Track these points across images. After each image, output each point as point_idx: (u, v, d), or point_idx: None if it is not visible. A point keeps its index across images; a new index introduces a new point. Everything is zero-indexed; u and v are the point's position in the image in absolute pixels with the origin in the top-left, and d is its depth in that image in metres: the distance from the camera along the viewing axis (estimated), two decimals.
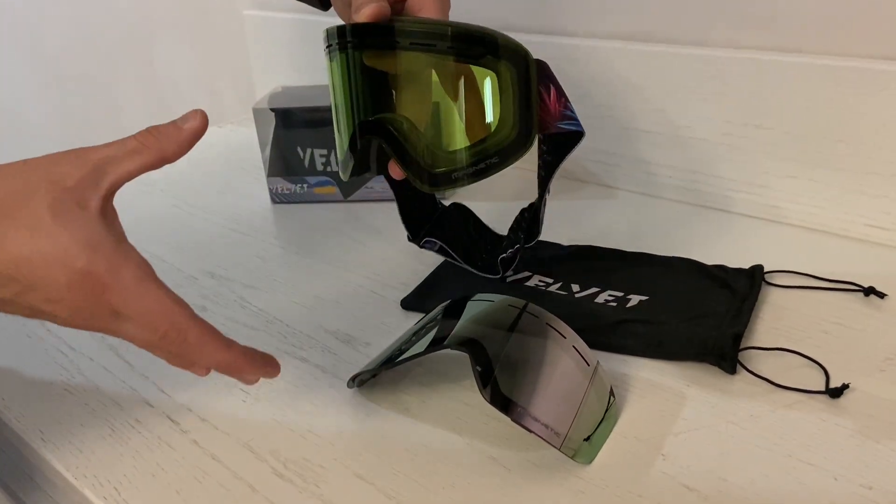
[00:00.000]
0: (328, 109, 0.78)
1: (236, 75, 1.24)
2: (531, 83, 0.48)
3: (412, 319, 0.55)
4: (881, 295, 0.56)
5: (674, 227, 0.70)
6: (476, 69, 0.47)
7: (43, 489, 0.54)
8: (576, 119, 0.51)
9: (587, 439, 0.43)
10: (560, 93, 0.50)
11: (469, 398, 0.48)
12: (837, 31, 0.63)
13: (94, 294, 0.37)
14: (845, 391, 0.46)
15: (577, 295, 0.58)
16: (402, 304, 0.59)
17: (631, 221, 0.72)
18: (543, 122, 0.50)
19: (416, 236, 0.62)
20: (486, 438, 0.45)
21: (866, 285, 0.57)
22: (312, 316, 0.59)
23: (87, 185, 0.38)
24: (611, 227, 0.71)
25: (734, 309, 0.54)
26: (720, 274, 0.59)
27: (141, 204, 0.83)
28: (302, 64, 1.06)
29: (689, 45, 0.71)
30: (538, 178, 0.57)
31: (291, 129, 0.77)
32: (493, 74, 0.47)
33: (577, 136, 0.52)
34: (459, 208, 0.64)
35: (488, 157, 0.47)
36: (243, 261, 0.67)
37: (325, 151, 0.77)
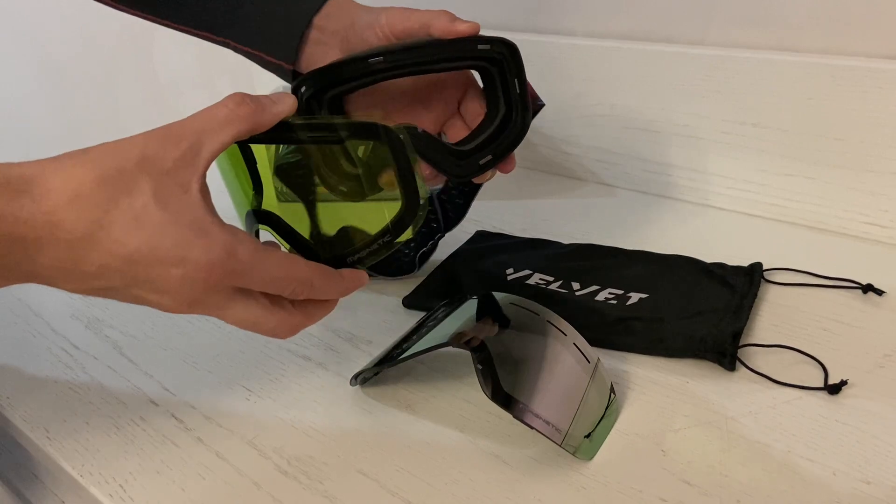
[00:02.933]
0: None
1: (236, 75, 1.24)
2: (410, 159, 0.43)
3: (414, 318, 0.55)
4: (879, 292, 0.56)
5: (673, 225, 0.71)
6: (344, 152, 0.44)
7: (48, 487, 0.55)
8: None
9: (588, 436, 0.44)
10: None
11: (471, 395, 0.48)
12: (835, 30, 0.64)
13: (214, 280, 0.37)
14: (844, 387, 0.47)
15: (577, 293, 0.58)
16: (403, 303, 0.59)
17: (630, 220, 0.73)
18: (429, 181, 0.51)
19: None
20: (488, 435, 0.45)
21: (864, 282, 0.57)
22: None
23: (185, 165, 0.37)
24: (610, 225, 0.71)
25: (733, 306, 0.54)
26: (719, 272, 0.59)
27: None
28: None
29: (686, 45, 0.71)
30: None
31: None
32: (373, 158, 0.44)
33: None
34: None
35: (381, 236, 0.43)
36: None
37: None
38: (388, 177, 0.43)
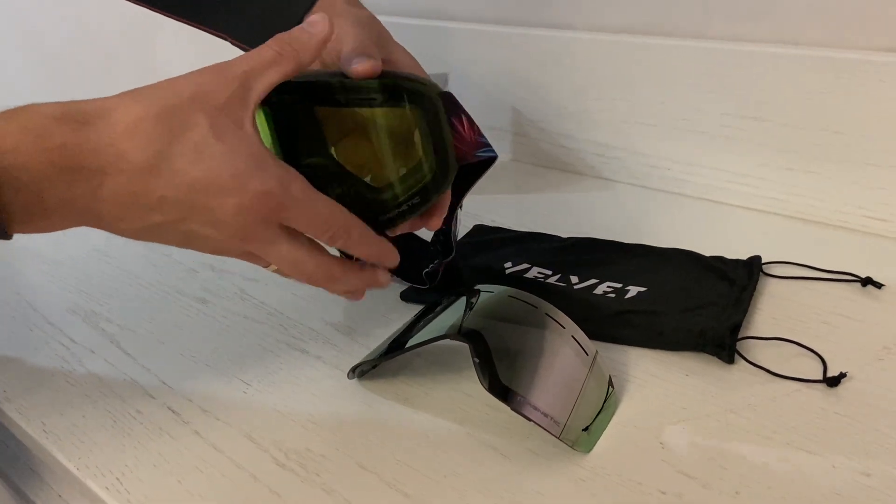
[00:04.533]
0: None
1: None
2: (441, 120, 0.45)
3: (412, 311, 0.55)
4: (878, 285, 0.56)
5: (672, 219, 0.70)
6: (382, 115, 0.44)
7: (45, 480, 0.55)
8: (489, 145, 0.49)
9: (586, 428, 0.44)
10: (471, 121, 0.49)
11: (469, 388, 0.48)
12: (834, 23, 0.63)
13: (266, 212, 0.38)
14: (843, 380, 0.47)
15: (575, 286, 0.58)
16: (401, 297, 0.59)
17: (629, 214, 0.72)
18: (460, 153, 0.47)
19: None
20: (487, 428, 0.45)
21: (863, 276, 0.57)
22: (312, 308, 0.59)
23: (237, 102, 0.38)
24: (609, 219, 0.71)
25: (732, 299, 0.54)
26: (718, 265, 0.59)
27: None
28: None
29: (686, 38, 0.71)
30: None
31: None
32: (400, 119, 0.45)
33: (489, 161, 0.51)
34: None
35: (411, 198, 0.45)
36: None
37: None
38: (419, 139, 0.45)
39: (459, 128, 0.47)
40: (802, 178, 0.67)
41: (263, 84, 0.39)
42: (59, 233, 0.82)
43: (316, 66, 0.48)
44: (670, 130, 0.74)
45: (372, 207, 0.45)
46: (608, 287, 0.58)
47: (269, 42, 0.40)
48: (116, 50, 1.47)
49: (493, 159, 0.50)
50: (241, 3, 0.55)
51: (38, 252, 0.71)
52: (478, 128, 0.49)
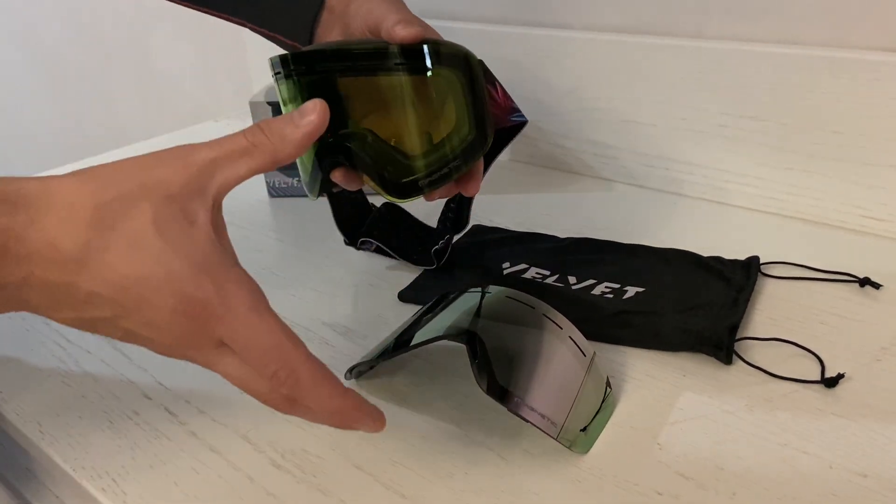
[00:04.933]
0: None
1: (233, 69, 1.24)
2: (478, 83, 0.48)
3: (409, 311, 0.55)
4: (876, 285, 0.56)
5: (670, 219, 0.70)
6: (423, 79, 0.46)
7: (41, 481, 0.54)
8: (520, 110, 0.53)
9: (584, 429, 0.43)
10: (503, 87, 0.51)
11: (466, 389, 0.48)
12: (833, 22, 0.63)
13: (200, 322, 0.34)
14: (841, 381, 0.47)
15: (573, 287, 0.58)
16: (399, 297, 0.59)
17: (627, 213, 0.72)
18: (496, 117, 0.50)
19: (352, 240, 0.63)
20: (484, 429, 0.45)
21: (862, 276, 0.57)
22: (310, 308, 0.59)
23: (193, 193, 0.34)
24: (607, 219, 0.71)
25: (730, 300, 0.54)
26: (716, 265, 0.59)
27: None
28: None
29: (684, 37, 0.71)
30: None
31: None
32: (441, 81, 0.46)
33: (521, 125, 0.54)
34: (391, 208, 0.65)
35: (450, 161, 0.47)
36: (241, 254, 0.66)
37: None
38: (461, 102, 0.46)
39: (494, 93, 0.50)
40: (801, 177, 0.67)
41: (227, 176, 0.35)
42: None
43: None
44: (669, 130, 0.73)
45: (411, 171, 0.46)
46: (606, 287, 0.57)
47: (246, 130, 0.37)
48: (114, 49, 1.47)
49: (523, 123, 0.52)
50: None
51: None
52: (509, 94, 0.51)
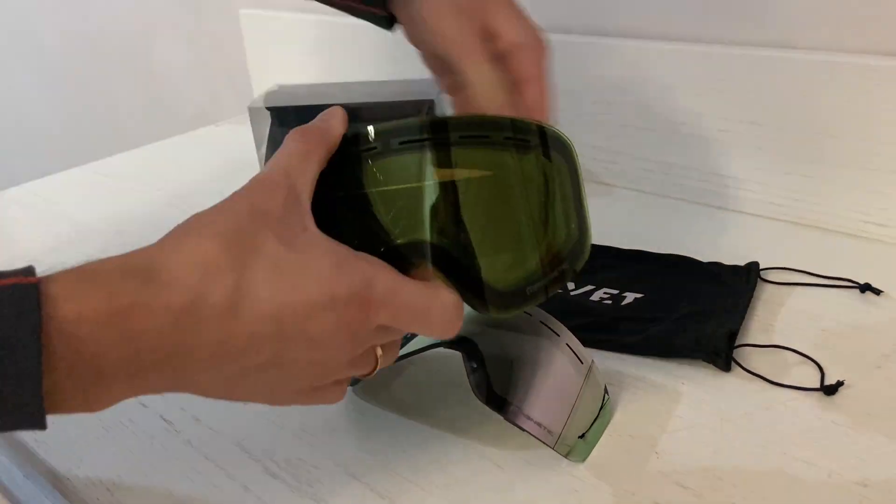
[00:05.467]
0: (323, 108, 0.77)
1: (233, 74, 1.24)
2: (579, 172, 0.41)
3: None
4: (877, 292, 0.56)
5: (670, 224, 0.70)
6: (533, 163, 0.39)
7: (37, 490, 0.54)
8: None
9: (581, 437, 0.43)
10: None
11: (463, 397, 0.48)
12: (832, 27, 0.63)
13: (363, 314, 0.34)
14: (840, 388, 0.46)
15: (571, 293, 0.58)
16: None
17: (626, 218, 0.72)
18: None
19: None
20: (480, 437, 0.45)
21: (862, 282, 0.56)
22: None
23: (293, 207, 0.34)
24: (607, 224, 0.71)
25: (729, 306, 0.54)
26: (715, 271, 0.59)
27: (136, 203, 0.83)
28: (298, 63, 1.06)
29: (684, 42, 0.71)
30: None
31: (287, 128, 0.76)
32: (552, 168, 0.39)
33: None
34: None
35: (560, 263, 0.39)
36: None
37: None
38: (562, 194, 0.39)
39: None
40: (801, 182, 0.67)
41: (306, 181, 0.36)
42: (53, 240, 0.82)
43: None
44: (668, 135, 0.73)
45: (519, 274, 0.38)
46: (604, 293, 0.57)
47: (291, 136, 0.37)
48: (115, 53, 1.47)
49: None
50: None
51: (31, 258, 0.71)
52: None
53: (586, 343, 0.48)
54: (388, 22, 0.52)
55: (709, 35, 0.70)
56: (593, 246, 0.63)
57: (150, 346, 0.30)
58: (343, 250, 0.34)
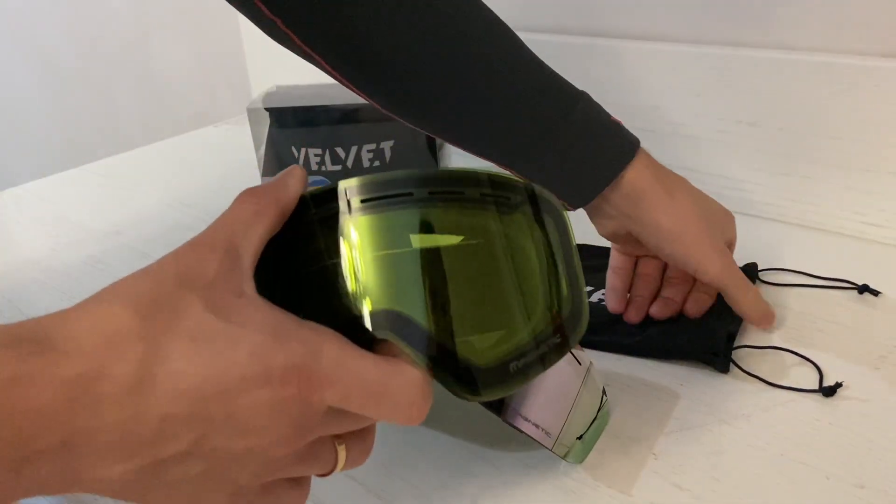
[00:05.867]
0: (322, 109, 0.77)
1: (232, 75, 1.24)
2: (571, 235, 0.37)
3: None
4: (875, 293, 0.56)
5: None
6: (520, 224, 0.34)
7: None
8: None
9: (579, 439, 0.43)
10: None
11: (460, 399, 0.48)
12: (830, 29, 0.63)
13: (305, 391, 0.28)
14: (839, 390, 0.46)
15: None
16: None
17: None
18: None
19: None
20: (478, 439, 0.45)
21: (860, 283, 0.56)
22: None
23: (229, 272, 0.30)
24: None
25: (727, 307, 0.54)
26: None
27: (135, 204, 0.83)
28: (297, 63, 1.06)
29: (682, 43, 0.71)
30: None
31: (286, 129, 0.77)
32: (541, 232, 0.35)
33: None
34: None
35: (552, 334, 0.34)
36: None
37: (319, 151, 0.77)
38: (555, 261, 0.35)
39: None
40: (799, 183, 0.67)
41: (252, 244, 0.31)
42: (53, 240, 0.81)
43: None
44: (666, 136, 0.73)
45: (501, 348, 0.33)
46: (603, 295, 0.57)
47: (240, 197, 0.33)
48: (114, 54, 1.47)
49: None
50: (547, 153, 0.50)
51: (30, 259, 0.71)
52: None
53: (584, 344, 0.48)
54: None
55: (708, 36, 0.70)
56: (592, 247, 0.64)
57: (38, 428, 0.25)
58: (285, 317, 0.29)
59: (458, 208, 0.33)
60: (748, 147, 0.69)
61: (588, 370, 0.47)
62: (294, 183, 0.34)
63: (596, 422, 0.45)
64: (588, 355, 0.48)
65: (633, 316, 0.53)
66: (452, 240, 0.33)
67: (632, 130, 0.77)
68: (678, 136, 0.72)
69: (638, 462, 0.42)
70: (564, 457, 0.42)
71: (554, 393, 0.44)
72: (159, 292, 0.28)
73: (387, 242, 0.32)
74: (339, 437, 0.32)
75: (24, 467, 0.25)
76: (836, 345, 0.51)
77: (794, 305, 0.55)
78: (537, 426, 0.41)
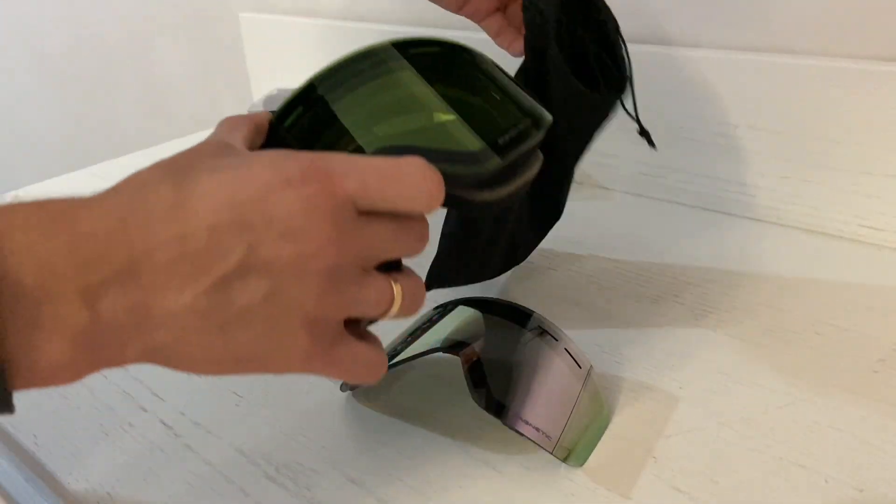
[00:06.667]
0: None
1: (233, 78, 1.24)
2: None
3: (406, 322, 0.55)
4: (874, 297, 0.56)
5: (668, 229, 0.70)
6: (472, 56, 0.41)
7: (36, 493, 0.54)
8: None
9: (579, 442, 0.43)
10: None
11: (462, 402, 0.48)
12: (830, 32, 0.63)
13: (325, 187, 0.30)
14: (837, 393, 0.46)
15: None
16: None
17: (626, 223, 0.72)
18: None
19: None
20: (479, 442, 0.45)
21: (860, 286, 0.57)
22: None
23: (228, 146, 0.32)
24: (606, 228, 0.71)
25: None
26: None
27: None
28: (298, 67, 1.06)
29: (682, 47, 0.71)
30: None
31: None
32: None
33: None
34: None
35: (520, 120, 0.38)
36: None
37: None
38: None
39: None
40: (799, 186, 0.67)
41: (237, 141, 0.34)
42: None
43: None
44: (667, 139, 0.73)
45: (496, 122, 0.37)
46: None
47: (218, 124, 0.37)
48: (116, 57, 1.47)
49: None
50: None
51: None
52: None
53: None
54: None
55: (708, 40, 0.70)
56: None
57: (99, 250, 0.26)
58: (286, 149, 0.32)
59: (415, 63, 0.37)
60: (748, 150, 0.69)
61: (588, 373, 0.47)
62: (264, 112, 0.37)
63: (596, 424, 0.45)
64: (588, 359, 0.48)
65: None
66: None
67: (632, 133, 0.78)
68: (678, 139, 0.73)
69: (637, 465, 0.42)
70: (564, 460, 0.42)
71: (554, 396, 0.44)
72: (172, 161, 0.30)
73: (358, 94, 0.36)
74: (391, 276, 0.34)
75: (95, 300, 0.26)
76: (834, 348, 0.51)
77: (793, 308, 0.56)
78: (538, 429, 0.41)
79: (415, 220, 0.34)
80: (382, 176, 0.31)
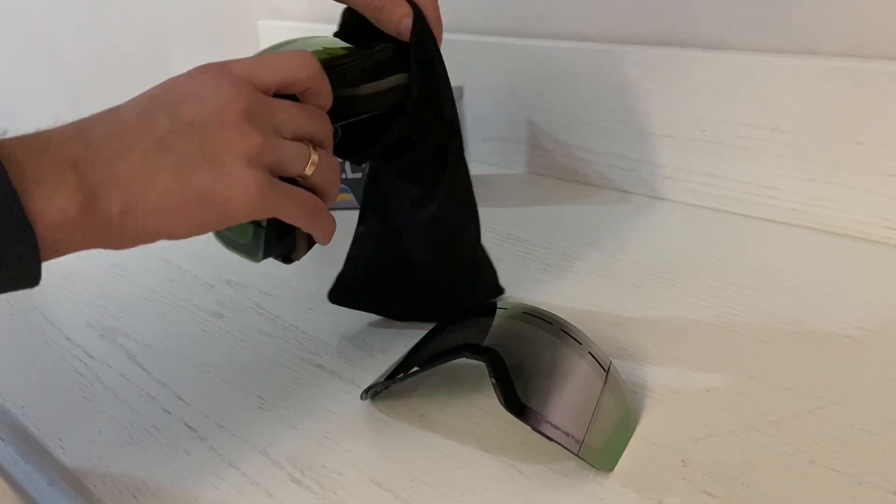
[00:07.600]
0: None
1: None
2: None
3: (427, 327, 0.55)
4: None
5: (690, 232, 0.70)
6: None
7: (62, 496, 0.54)
8: None
9: (606, 445, 0.43)
10: None
11: (485, 405, 0.48)
12: (852, 32, 0.63)
13: (221, 68, 0.39)
14: (869, 395, 0.46)
15: None
16: (329, 298, 0.57)
17: (646, 226, 0.72)
18: None
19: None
20: (504, 446, 0.44)
21: (887, 288, 0.56)
22: (328, 322, 0.59)
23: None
24: (626, 232, 0.71)
25: None
26: None
27: None
28: None
29: (704, 49, 0.71)
30: None
31: None
32: None
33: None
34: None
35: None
36: (258, 268, 0.67)
37: (339, 159, 0.77)
38: None
39: None
40: (823, 189, 0.66)
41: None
42: None
43: None
44: (688, 141, 0.73)
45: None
46: None
47: None
48: (134, 65, 1.49)
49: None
50: None
51: (55, 267, 0.71)
52: None
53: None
54: None
55: (729, 41, 0.70)
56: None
57: (56, 132, 0.37)
58: None
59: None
60: (770, 152, 0.68)
61: (612, 375, 0.46)
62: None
63: (623, 427, 0.44)
64: (608, 358, 0.47)
65: None
66: None
67: (653, 136, 0.77)
68: (699, 141, 0.72)
69: (666, 468, 0.42)
70: (592, 463, 0.41)
71: (578, 398, 0.43)
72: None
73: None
74: (308, 143, 0.41)
75: (77, 164, 0.35)
76: (865, 350, 0.50)
77: (814, 310, 0.55)
78: (565, 432, 0.41)
79: (314, 107, 0.42)
80: (266, 60, 0.41)
